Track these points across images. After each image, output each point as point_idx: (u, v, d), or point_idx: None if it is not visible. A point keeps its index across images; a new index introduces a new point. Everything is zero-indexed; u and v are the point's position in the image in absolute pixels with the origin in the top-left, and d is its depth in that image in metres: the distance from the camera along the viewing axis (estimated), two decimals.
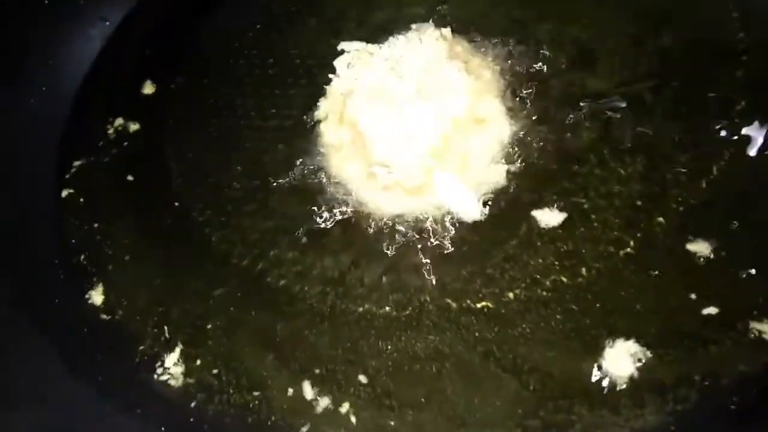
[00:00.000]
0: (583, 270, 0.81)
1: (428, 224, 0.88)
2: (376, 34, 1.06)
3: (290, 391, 0.79)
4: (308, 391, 0.78)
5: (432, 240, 0.87)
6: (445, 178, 0.90)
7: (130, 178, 1.04)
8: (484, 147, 0.93)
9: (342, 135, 0.97)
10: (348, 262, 0.88)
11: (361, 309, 0.84)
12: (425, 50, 0.97)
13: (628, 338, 0.75)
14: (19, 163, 1.07)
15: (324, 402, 0.78)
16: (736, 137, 0.86)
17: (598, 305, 0.78)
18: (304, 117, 1.03)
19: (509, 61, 1.00)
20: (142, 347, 0.86)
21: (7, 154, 1.06)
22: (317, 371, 0.80)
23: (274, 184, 0.97)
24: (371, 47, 1.02)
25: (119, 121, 1.10)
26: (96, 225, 1.00)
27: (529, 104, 0.96)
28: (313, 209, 0.93)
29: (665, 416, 0.70)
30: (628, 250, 0.81)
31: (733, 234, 0.79)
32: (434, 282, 0.84)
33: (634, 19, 1.00)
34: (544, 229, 0.85)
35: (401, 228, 0.89)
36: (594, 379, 0.73)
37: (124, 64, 1.19)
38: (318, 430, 0.76)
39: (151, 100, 1.13)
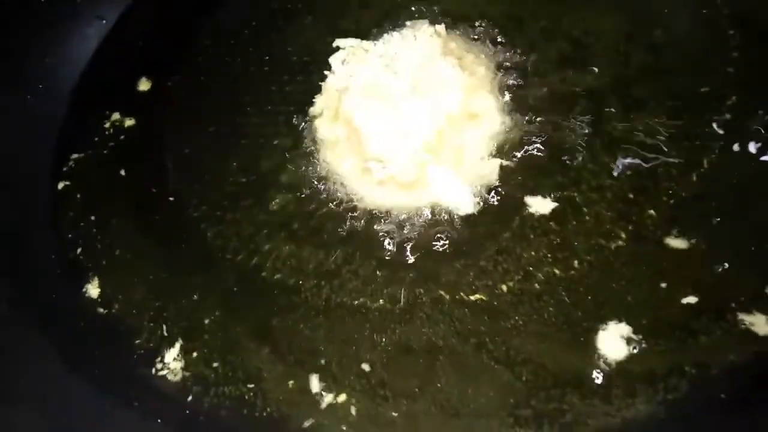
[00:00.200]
0: (576, 262, 0.82)
1: (422, 218, 0.89)
2: (371, 31, 1.07)
3: (286, 383, 0.80)
4: (315, 384, 0.79)
5: (426, 234, 0.88)
6: (439, 173, 0.91)
7: (125, 173, 1.04)
8: (477, 142, 0.94)
9: (337, 131, 0.98)
10: (342, 256, 0.89)
11: (355, 302, 0.85)
12: (420, 47, 0.98)
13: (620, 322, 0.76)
14: (17, 160, 1.07)
15: (320, 394, 0.78)
16: (726, 132, 0.87)
17: (590, 297, 0.79)
18: (300, 113, 1.03)
19: (503, 57, 1.01)
20: (138, 341, 0.87)
21: (4, 151, 1.07)
22: (312, 364, 0.81)
23: (269, 179, 0.98)
24: (366, 44, 1.03)
25: (116, 116, 1.11)
26: (92, 219, 1.00)
27: (522, 100, 0.96)
28: (309, 204, 0.94)
29: (656, 406, 0.71)
30: (620, 242, 0.82)
31: (723, 226, 0.80)
32: (428, 275, 0.85)
33: (626, 15, 1.01)
34: (536, 222, 0.86)
35: (396, 222, 0.89)
36: (587, 367, 0.74)
37: (121, 62, 1.19)
38: (314, 421, 0.77)
39: (148, 97, 1.14)
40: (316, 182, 0.96)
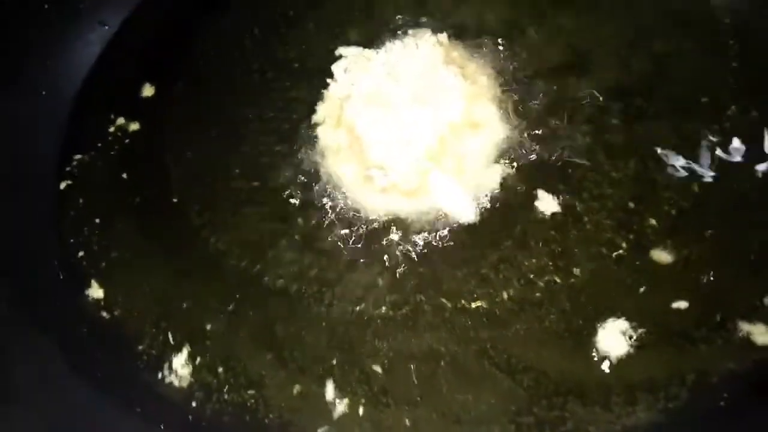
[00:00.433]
0: (576, 271, 0.83)
1: (424, 226, 0.90)
2: (373, 40, 1.07)
3: (288, 390, 0.80)
4: (317, 390, 0.80)
5: (428, 241, 0.88)
6: (440, 181, 0.91)
7: (127, 177, 1.05)
8: (479, 150, 0.94)
9: (339, 138, 0.98)
10: (344, 263, 0.89)
11: (357, 309, 0.85)
12: (422, 55, 0.99)
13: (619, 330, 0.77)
14: (19, 164, 1.07)
15: (323, 400, 0.79)
16: (726, 142, 0.88)
17: (590, 305, 0.80)
18: (302, 121, 1.04)
19: (504, 67, 1.02)
20: (141, 346, 0.87)
21: (7, 155, 1.07)
22: (315, 370, 0.81)
23: (272, 186, 0.98)
24: (368, 52, 1.04)
25: (120, 120, 1.11)
26: (95, 222, 1.01)
27: (523, 108, 0.97)
28: (311, 211, 0.94)
29: (656, 413, 0.71)
30: (620, 251, 0.83)
31: (723, 236, 0.81)
32: (429, 282, 0.85)
33: (627, 25, 1.02)
34: (537, 230, 0.86)
35: (397, 229, 0.90)
36: (588, 375, 0.75)
37: (123, 68, 1.20)
38: (316, 428, 0.77)
39: (150, 104, 1.14)
40: (318, 189, 0.96)
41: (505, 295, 0.83)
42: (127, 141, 1.10)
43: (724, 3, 1.00)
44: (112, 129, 1.11)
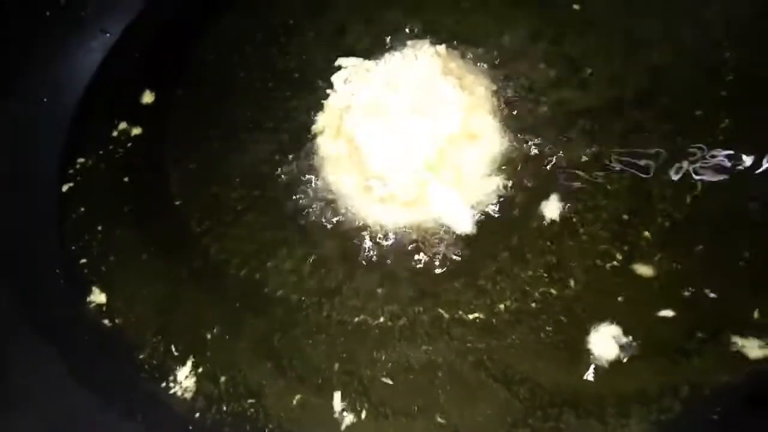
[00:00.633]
0: (572, 282, 0.84)
1: (423, 236, 0.91)
2: (372, 51, 1.08)
3: (287, 399, 0.81)
4: (316, 400, 0.81)
5: (426, 252, 0.89)
6: (439, 192, 0.92)
7: (128, 181, 1.06)
8: (477, 161, 0.95)
9: (339, 148, 0.99)
10: (344, 273, 0.90)
11: (356, 319, 0.86)
12: (420, 66, 0.99)
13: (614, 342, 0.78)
14: (21, 172, 1.09)
15: (322, 410, 0.80)
16: (719, 155, 0.89)
17: (585, 317, 0.81)
18: (302, 130, 1.05)
19: (502, 78, 1.03)
20: (142, 356, 0.88)
21: (9, 162, 1.08)
22: (313, 380, 0.82)
23: (272, 195, 0.99)
24: (368, 63, 1.04)
25: (123, 125, 1.13)
26: (97, 229, 1.02)
27: (521, 120, 0.98)
28: (310, 221, 0.95)
29: (650, 426, 0.73)
30: (615, 263, 0.84)
31: (717, 249, 0.82)
32: (427, 293, 0.86)
33: (623, 38, 1.03)
34: (534, 241, 0.87)
35: (396, 240, 0.91)
36: (583, 387, 0.76)
37: (125, 75, 1.21)
38: None
39: (151, 111, 1.15)
40: (317, 199, 0.97)
41: (502, 307, 0.84)
42: (129, 145, 1.11)
43: (719, 16, 1.00)
44: (115, 134, 1.12)
